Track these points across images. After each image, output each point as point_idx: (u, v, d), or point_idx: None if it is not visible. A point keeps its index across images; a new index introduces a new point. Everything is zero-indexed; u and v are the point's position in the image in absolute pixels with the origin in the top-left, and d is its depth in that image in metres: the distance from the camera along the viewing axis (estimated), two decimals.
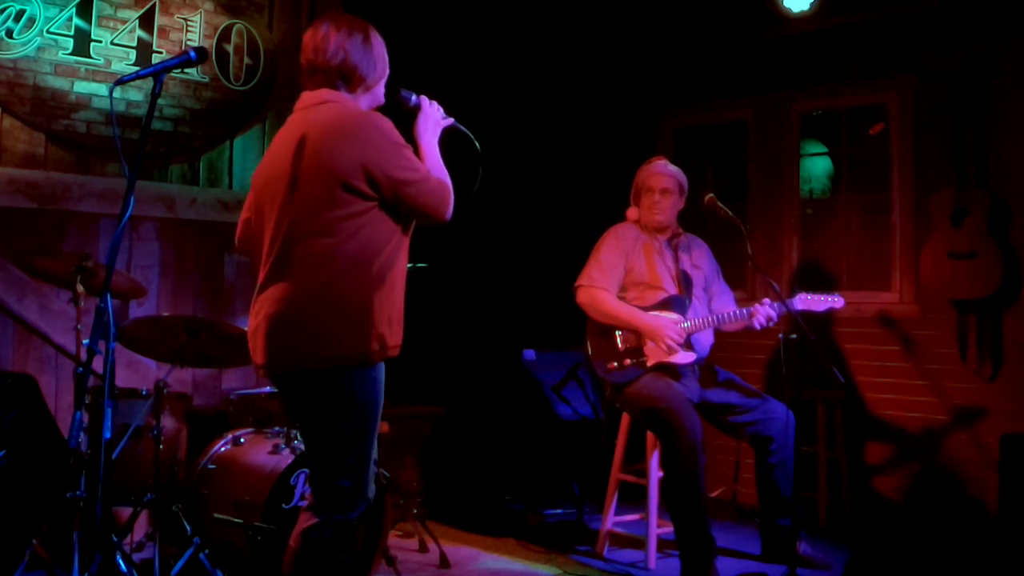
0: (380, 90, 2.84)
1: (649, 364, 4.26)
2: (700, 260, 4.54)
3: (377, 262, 2.64)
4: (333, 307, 2.59)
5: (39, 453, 3.86)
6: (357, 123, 2.65)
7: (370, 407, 2.67)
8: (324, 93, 2.73)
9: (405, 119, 2.84)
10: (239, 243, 2.96)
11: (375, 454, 2.76)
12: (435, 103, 2.90)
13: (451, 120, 2.92)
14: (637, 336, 4.28)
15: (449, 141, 2.94)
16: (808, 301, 4.20)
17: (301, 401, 2.70)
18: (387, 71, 2.85)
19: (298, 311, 2.60)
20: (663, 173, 4.42)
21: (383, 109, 2.83)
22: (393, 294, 2.70)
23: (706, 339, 4.43)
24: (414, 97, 2.87)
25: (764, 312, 4.20)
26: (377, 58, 2.79)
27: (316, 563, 2.64)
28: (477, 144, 2.93)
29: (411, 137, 2.80)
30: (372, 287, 2.63)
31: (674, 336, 4.19)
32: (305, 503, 2.77)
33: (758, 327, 4.23)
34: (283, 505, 3.60)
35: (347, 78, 2.73)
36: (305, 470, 3.64)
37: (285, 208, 2.64)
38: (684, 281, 4.43)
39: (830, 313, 4.29)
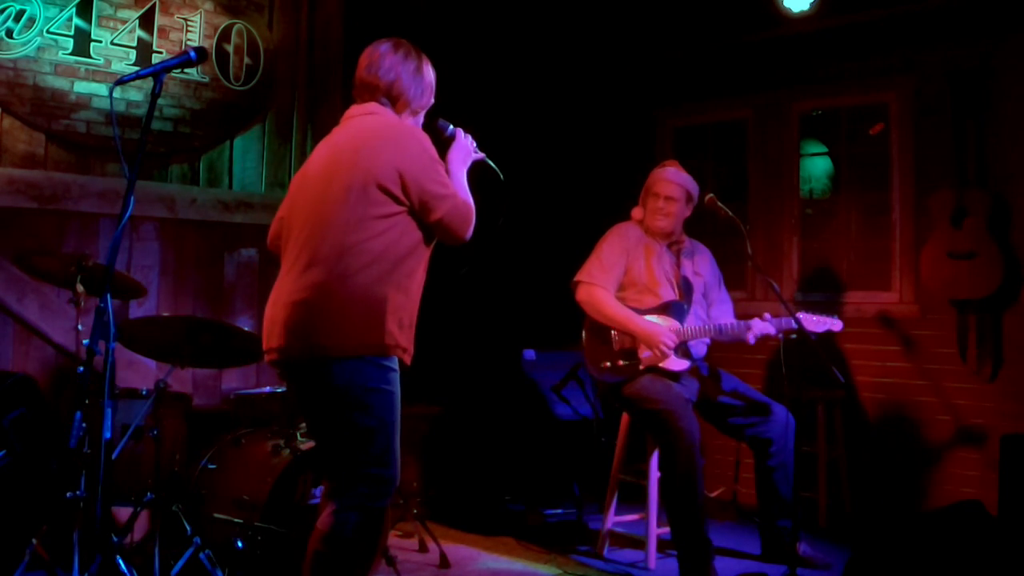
0: (420, 119, 3.00)
1: (642, 367, 4.26)
2: (701, 266, 4.52)
3: (398, 266, 2.76)
4: (351, 298, 2.69)
5: (39, 453, 3.86)
6: (399, 132, 2.81)
7: (386, 397, 2.74)
8: (372, 106, 2.89)
9: (439, 147, 2.97)
10: (271, 240, 3.07)
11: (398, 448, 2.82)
12: (469, 136, 3.05)
13: (482, 155, 3.06)
14: (632, 338, 4.28)
15: (476, 175, 3.06)
16: (808, 322, 4.15)
17: (318, 390, 2.74)
18: (432, 101, 3.00)
19: (318, 300, 2.69)
20: (671, 180, 4.39)
21: None
22: (409, 301, 2.81)
23: (701, 345, 4.43)
24: (450, 127, 3.02)
25: (761, 328, 4.17)
26: (426, 86, 2.96)
27: (344, 545, 2.69)
28: (502, 176, 3.06)
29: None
30: (389, 286, 2.74)
31: (668, 343, 4.19)
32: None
33: (752, 341, 4.16)
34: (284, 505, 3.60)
35: (394, 99, 2.90)
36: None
37: (319, 202, 2.77)
38: (684, 287, 4.42)
39: (829, 333, 4.24)
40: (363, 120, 2.88)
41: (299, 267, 2.76)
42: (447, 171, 2.90)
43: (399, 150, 2.75)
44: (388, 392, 2.74)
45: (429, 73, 2.97)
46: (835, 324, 4.19)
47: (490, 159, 3.09)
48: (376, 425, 2.72)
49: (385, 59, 2.88)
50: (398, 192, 2.74)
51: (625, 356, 4.28)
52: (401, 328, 2.77)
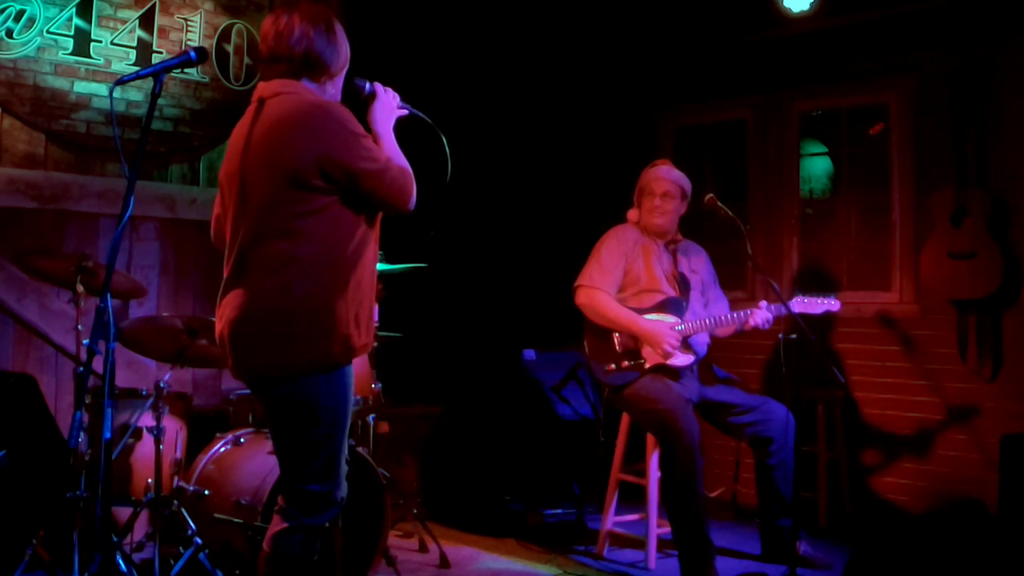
0: (341, 81, 2.76)
1: (647, 366, 4.25)
2: (698, 265, 4.54)
3: (340, 262, 2.58)
4: (292, 312, 2.53)
5: (39, 453, 3.86)
6: (312, 114, 2.55)
7: (336, 411, 2.60)
8: (277, 84, 2.64)
9: (360, 108, 2.77)
10: (214, 239, 2.86)
11: (346, 455, 2.69)
12: (390, 90, 2.82)
13: (408, 108, 2.84)
14: (635, 338, 4.28)
15: (416, 133, 2.87)
16: (805, 304, 4.21)
17: (268, 406, 2.65)
18: (348, 62, 2.76)
19: (257, 317, 2.54)
20: (666, 178, 4.41)
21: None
22: (360, 292, 2.63)
23: (703, 340, 4.44)
24: (368, 85, 2.79)
25: (761, 315, 4.21)
26: (340, 47, 2.70)
27: (287, 568, 2.59)
28: (437, 128, 2.85)
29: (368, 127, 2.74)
30: (334, 289, 2.57)
31: (671, 341, 4.19)
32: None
33: (750, 327, 4.26)
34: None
35: (311, 67, 2.64)
36: None
37: (240, 208, 2.61)
38: (681, 284, 4.43)
39: (828, 314, 4.31)
40: (270, 104, 2.61)
41: (234, 280, 2.59)
42: (374, 136, 2.70)
43: (316, 134, 2.51)
44: (333, 409, 2.59)
45: (341, 33, 2.70)
46: (833, 304, 4.23)
47: (416, 108, 2.84)
48: (318, 442, 2.59)
49: (293, 28, 2.61)
50: (320, 183, 2.52)
51: (628, 356, 4.28)
52: (358, 326, 2.62)
